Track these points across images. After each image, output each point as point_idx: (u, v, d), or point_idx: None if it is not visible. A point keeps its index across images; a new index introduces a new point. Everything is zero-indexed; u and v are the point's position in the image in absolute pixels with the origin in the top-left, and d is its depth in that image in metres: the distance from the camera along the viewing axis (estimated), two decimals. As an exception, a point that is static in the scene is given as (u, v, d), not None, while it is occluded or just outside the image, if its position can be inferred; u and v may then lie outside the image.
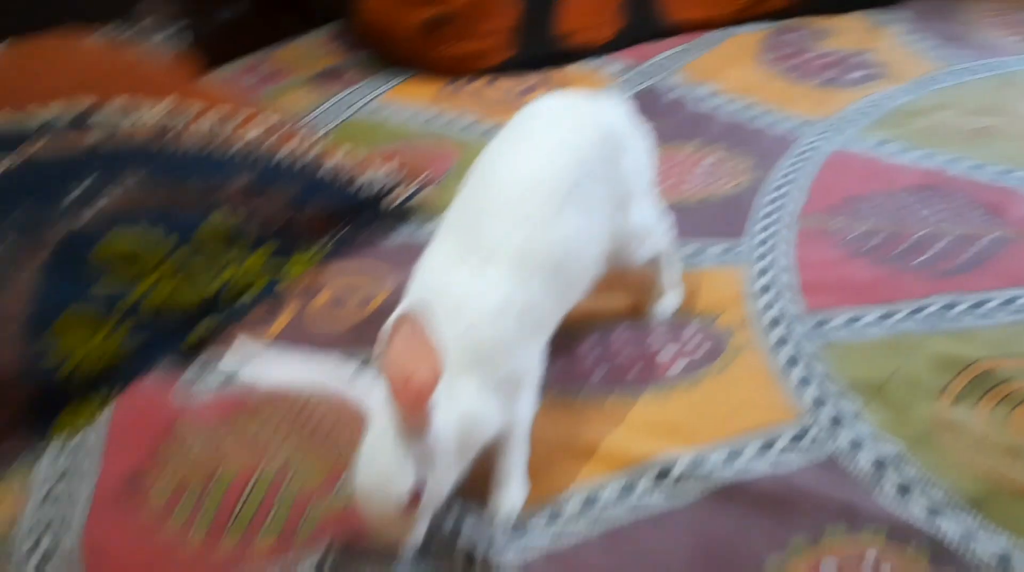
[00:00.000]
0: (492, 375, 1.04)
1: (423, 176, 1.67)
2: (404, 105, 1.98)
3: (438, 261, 1.10)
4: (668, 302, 1.40)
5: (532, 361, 1.12)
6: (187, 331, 1.37)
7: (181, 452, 1.20)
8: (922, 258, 1.45)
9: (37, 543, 1.10)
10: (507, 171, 1.14)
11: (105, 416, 1.26)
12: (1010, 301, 1.37)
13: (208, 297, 1.39)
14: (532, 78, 2.03)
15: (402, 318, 0.87)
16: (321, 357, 0.98)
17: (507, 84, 2.03)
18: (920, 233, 1.51)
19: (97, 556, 1.08)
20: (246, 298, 1.43)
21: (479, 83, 2.03)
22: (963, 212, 1.56)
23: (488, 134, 1.84)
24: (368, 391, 0.96)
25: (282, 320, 1.43)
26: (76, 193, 1.36)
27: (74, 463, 1.21)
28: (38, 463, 1.21)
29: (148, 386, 1.31)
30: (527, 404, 1.13)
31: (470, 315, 1.04)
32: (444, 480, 0.99)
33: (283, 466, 1.17)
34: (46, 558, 1.08)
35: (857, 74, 1.99)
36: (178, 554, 1.08)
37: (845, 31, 2.17)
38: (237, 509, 1.12)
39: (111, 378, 1.29)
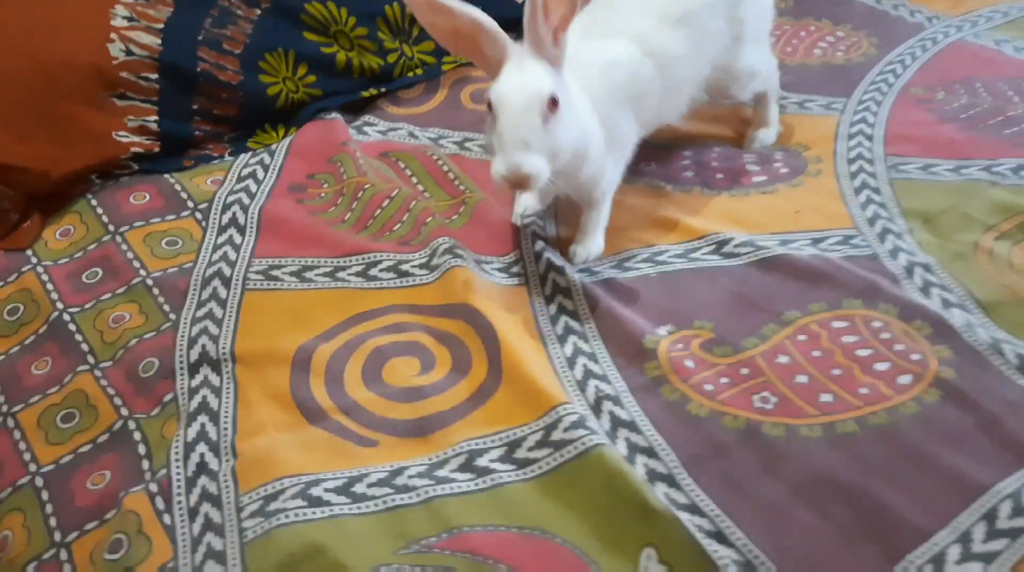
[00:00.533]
0: (599, 115, 1.27)
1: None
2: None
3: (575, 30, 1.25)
4: (766, 134, 1.59)
5: (625, 130, 1.35)
6: (363, 88, 1.69)
7: (346, 166, 1.51)
8: (1010, 130, 1.59)
9: (228, 206, 1.44)
10: None
11: (290, 138, 1.59)
12: (1080, 172, 1.50)
13: (382, 66, 1.69)
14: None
15: None
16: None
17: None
18: (1016, 112, 1.63)
19: (271, 222, 1.41)
20: (410, 75, 1.73)
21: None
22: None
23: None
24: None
25: (438, 97, 1.72)
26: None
27: (263, 161, 1.54)
28: (237, 160, 1.55)
29: (327, 121, 1.63)
30: (614, 170, 1.36)
31: (592, 69, 1.27)
32: (571, 123, 1.16)
33: (413, 192, 1.47)
34: (234, 219, 1.42)
35: (1004, -18, 2.08)
36: (331, 232, 1.40)
37: (1006, -52, 2.24)
38: (377, 213, 1.43)
39: (300, 114, 1.63)
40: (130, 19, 1.53)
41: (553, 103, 1.12)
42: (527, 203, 1.40)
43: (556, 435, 1.07)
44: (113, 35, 1.49)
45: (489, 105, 1.14)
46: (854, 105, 1.68)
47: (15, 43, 1.46)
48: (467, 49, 1.19)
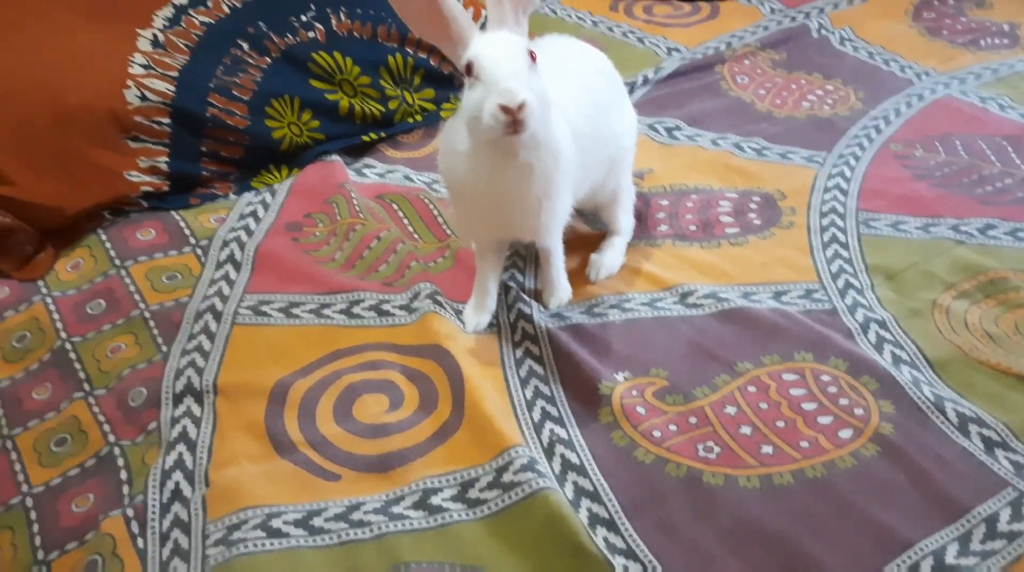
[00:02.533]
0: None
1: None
2: (578, 11, 2.29)
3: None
4: (609, 260, 1.50)
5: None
6: (364, 132, 1.78)
7: (340, 207, 1.60)
8: (982, 190, 1.63)
9: (227, 243, 1.54)
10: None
11: (292, 178, 1.69)
12: (1047, 233, 1.54)
13: (383, 112, 1.79)
14: (686, 7, 2.30)
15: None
16: None
17: (665, 9, 2.30)
18: (992, 170, 1.68)
19: (266, 259, 1.50)
20: (410, 120, 1.83)
21: (640, 5, 2.31)
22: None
23: (642, 41, 2.16)
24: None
25: (435, 142, 1.81)
26: (304, 17, 1.78)
27: (264, 200, 1.64)
28: (240, 199, 1.65)
29: (328, 163, 1.72)
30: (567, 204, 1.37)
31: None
32: (542, 88, 1.18)
33: (401, 235, 1.55)
34: (231, 256, 1.51)
35: (994, 40, 2.11)
36: (321, 270, 1.48)
37: (1002, 6, 2.27)
38: (365, 253, 1.51)
39: (302, 156, 1.73)
40: (147, 67, 1.64)
41: (532, 56, 1.17)
42: (478, 320, 1.39)
43: (507, 477, 1.14)
44: (129, 82, 1.60)
45: (468, 67, 1.17)
46: (834, 159, 1.74)
47: (39, 87, 1.57)
48: (435, 33, 1.22)
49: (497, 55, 1.15)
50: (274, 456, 1.19)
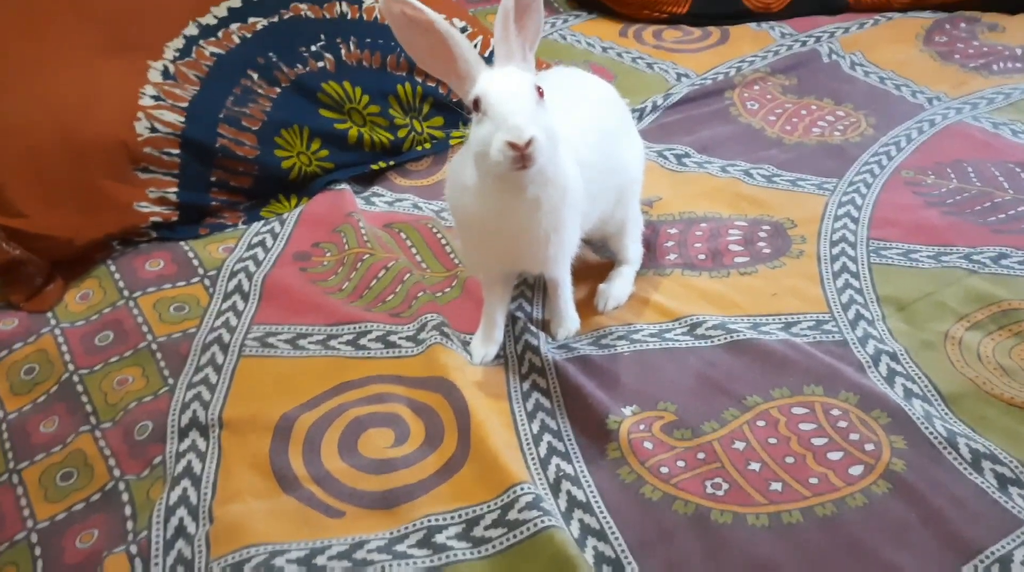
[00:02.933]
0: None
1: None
2: (588, 37, 2.29)
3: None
4: (618, 290, 1.49)
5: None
6: (373, 161, 1.79)
7: (348, 236, 1.60)
8: (994, 217, 1.62)
9: (235, 274, 1.54)
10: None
11: (300, 207, 1.69)
12: (1061, 262, 1.52)
13: (392, 140, 1.79)
14: (696, 32, 2.30)
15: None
16: None
17: (674, 34, 2.30)
18: (1005, 198, 1.66)
19: (273, 290, 1.50)
20: (419, 148, 1.83)
21: (650, 30, 2.32)
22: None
23: (651, 66, 2.16)
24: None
25: (444, 170, 1.80)
26: (313, 47, 1.79)
27: (273, 229, 1.64)
28: (249, 228, 1.65)
29: (337, 191, 1.73)
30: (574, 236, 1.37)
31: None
32: (549, 124, 1.18)
33: (408, 265, 1.55)
34: (239, 287, 1.51)
35: (1007, 65, 2.10)
36: (328, 300, 1.48)
37: (1016, 29, 2.26)
38: (373, 283, 1.51)
39: (312, 185, 1.73)
40: (157, 98, 1.65)
41: (539, 92, 1.18)
42: (485, 352, 1.39)
43: (511, 515, 1.13)
44: (140, 114, 1.61)
45: (476, 103, 1.17)
46: (844, 186, 1.73)
47: (51, 120, 1.58)
48: (442, 69, 1.23)
49: (505, 92, 1.15)
50: (279, 492, 1.18)
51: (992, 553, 1.08)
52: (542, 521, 1.10)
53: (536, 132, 1.13)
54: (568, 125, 1.30)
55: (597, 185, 1.38)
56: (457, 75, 1.21)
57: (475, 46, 1.90)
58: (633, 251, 1.54)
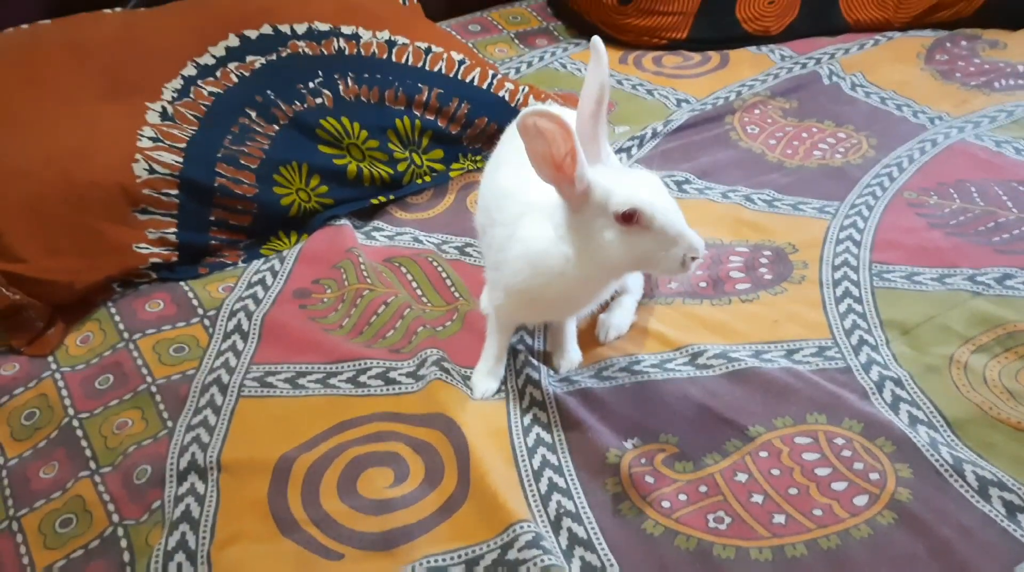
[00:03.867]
0: None
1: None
2: (587, 64, 2.29)
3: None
4: (619, 320, 1.48)
5: None
6: (373, 196, 1.79)
7: (348, 272, 1.60)
8: (999, 237, 1.60)
9: (235, 313, 1.54)
10: None
11: (300, 244, 1.69)
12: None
13: (391, 174, 1.79)
14: (696, 57, 2.30)
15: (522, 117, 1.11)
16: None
17: (674, 60, 2.30)
18: (1009, 217, 1.64)
19: (273, 328, 1.50)
20: (419, 182, 1.83)
21: (650, 56, 2.32)
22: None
23: (651, 93, 2.16)
24: None
25: (445, 202, 1.81)
26: (311, 84, 1.80)
27: (273, 267, 1.64)
28: (249, 267, 1.65)
29: (337, 227, 1.72)
30: None
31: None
32: None
33: (408, 299, 1.54)
34: (238, 326, 1.51)
35: (1009, 82, 2.09)
36: (328, 338, 1.48)
37: (1017, 45, 2.24)
38: (373, 319, 1.51)
39: (311, 221, 1.73)
40: (155, 139, 1.65)
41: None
42: (487, 387, 1.38)
43: (511, 554, 1.12)
44: (138, 155, 1.61)
45: (630, 216, 1.14)
46: (846, 209, 1.72)
47: (51, 165, 1.59)
48: (553, 175, 1.16)
49: (670, 210, 1.16)
50: (277, 535, 1.17)
51: (1002, 584, 1.06)
52: (542, 560, 1.09)
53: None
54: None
55: None
56: (570, 179, 1.16)
57: (472, 79, 1.94)
58: (633, 280, 1.53)
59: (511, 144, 1.41)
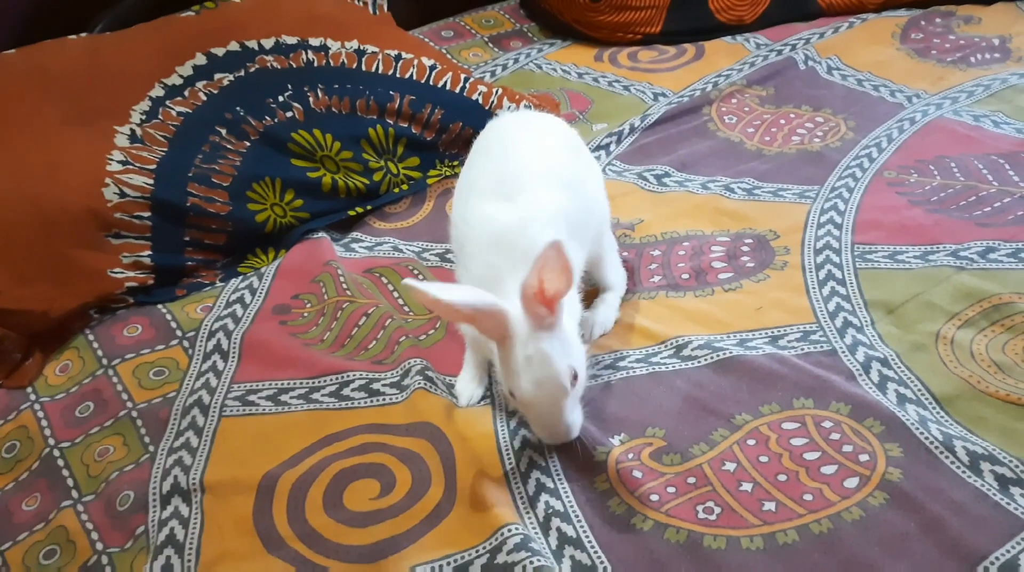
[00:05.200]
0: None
1: (559, 113, 1.98)
2: (563, 64, 2.28)
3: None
4: (604, 317, 1.47)
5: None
6: (349, 207, 1.77)
7: (327, 285, 1.58)
8: (980, 211, 1.58)
9: (214, 333, 1.52)
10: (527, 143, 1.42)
11: (279, 261, 1.68)
12: (1050, 251, 1.48)
13: (367, 185, 1.78)
14: (671, 50, 2.29)
15: (549, 246, 1.09)
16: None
17: (649, 54, 2.29)
18: (990, 190, 1.63)
19: (253, 346, 1.48)
20: (396, 191, 1.82)
21: (625, 52, 2.30)
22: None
23: (628, 89, 2.15)
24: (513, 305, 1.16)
25: (424, 210, 1.80)
26: (281, 98, 1.79)
27: (252, 285, 1.62)
28: (227, 286, 1.64)
29: (314, 240, 1.71)
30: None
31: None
32: (581, 357, 1.21)
33: (390, 309, 1.53)
34: (218, 346, 1.50)
35: (985, 56, 2.08)
36: (309, 352, 1.46)
37: (992, 19, 2.23)
38: (354, 331, 1.49)
39: (288, 237, 1.72)
40: (124, 162, 1.64)
41: (574, 377, 1.17)
42: (472, 393, 1.37)
43: (500, 558, 1.10)
44: (107, 179, 1.60)
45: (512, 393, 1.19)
46: (826, 193, 1.70)
47: (14, 191, 1.57)
48: (486, 328, 1.18)
49: (543, 409, 1.18)
50: (263, 553, 1.15)
51: (997, 558, 1.03)
52: (532, 562, 1.07)
53: (575, 426, 1.20)
54: (554, 193, 1.33)
55: (585, 230, 1.39)
56: (498, 333, 1.17)
57: (444, 84, 1.93)
58: (614, 277, 1.51)
59: (483, 169, 1.41)
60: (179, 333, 1.54)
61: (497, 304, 1.15)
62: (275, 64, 1.85)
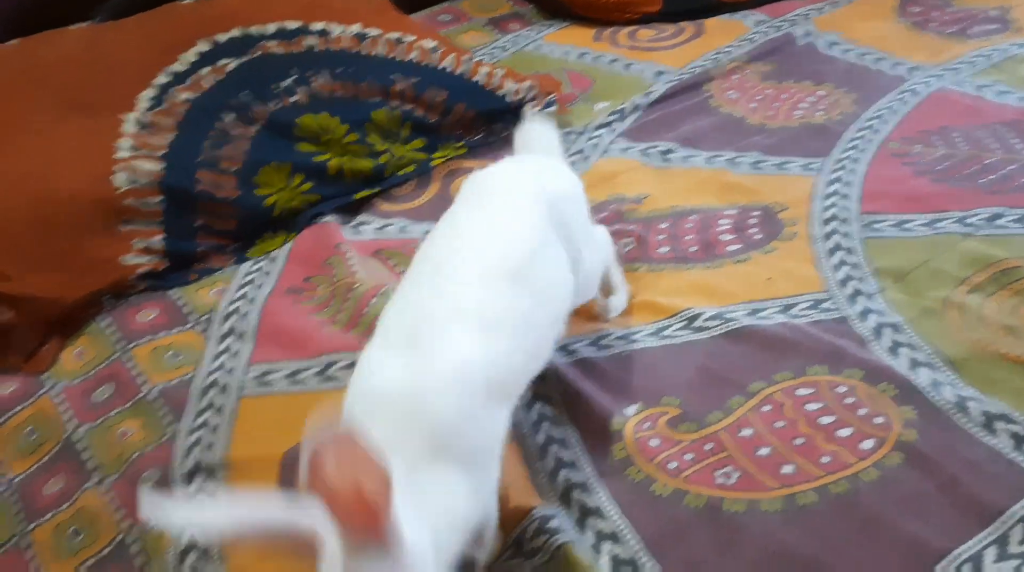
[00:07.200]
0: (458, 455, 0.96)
1: (561, 93, 1.99)
2: (561, 44, 2.29)
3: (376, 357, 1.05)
4: (617, 300, 1.44)
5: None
6: (356, 191, 1.77)
7: (338, 268, 1.59)
8: (985, 179, 1.60)
9: (229, 316, 1.53)
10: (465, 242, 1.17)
11: (289, 244, 1.69)
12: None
13: (373, 167, 1.79)
14: (670, 28, 2.29)
15: (328, 441, 0.76)
16: (255, 498, 0.83)
17: (648, 33, 2.29)
18: (994, 158, 1.64)
19: (268, 327, 1.49)
20: (402, 173, 1.82)
21: (624, 32, 2.30)
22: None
23: (628, 67, 2.16)
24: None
25: (430, 191, 1.81)
26: (285, 83, 1.79)
27: (263, 268, 1.63)
28: (239, 269, 1.65)
29: (323, 224, 1.71)
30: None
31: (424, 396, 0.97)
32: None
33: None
34: (233, 328, 1.51)
35: (986, 27, 2.08)
36: (323, 332, 1.47)
37: (993, -12, 2.25)
38: (366, 310, 1.50)
39: (297, 220, 1.72)
40: (134, 149, 1.65)
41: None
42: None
43: (526, 545, 1.11)
44: (116, 166, 1.61)
45: None
46: (831, 164, 1.71)
47: (27, 184, 1.58)
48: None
49: None
50: (287, 528, 1.17)
51: (1014, 513, 1.05)
52: (555, 540, 1.09)
53: None
54: (463, 332, 1.02)
55: (530, 363, 1.14)
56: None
57: (446, 66, 1.93)
58: (607, 254, 1.44)
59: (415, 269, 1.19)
60: (193, 317, 1.54)
61: (302, 519, 0.80)
62: (278, 49, 1.85)
